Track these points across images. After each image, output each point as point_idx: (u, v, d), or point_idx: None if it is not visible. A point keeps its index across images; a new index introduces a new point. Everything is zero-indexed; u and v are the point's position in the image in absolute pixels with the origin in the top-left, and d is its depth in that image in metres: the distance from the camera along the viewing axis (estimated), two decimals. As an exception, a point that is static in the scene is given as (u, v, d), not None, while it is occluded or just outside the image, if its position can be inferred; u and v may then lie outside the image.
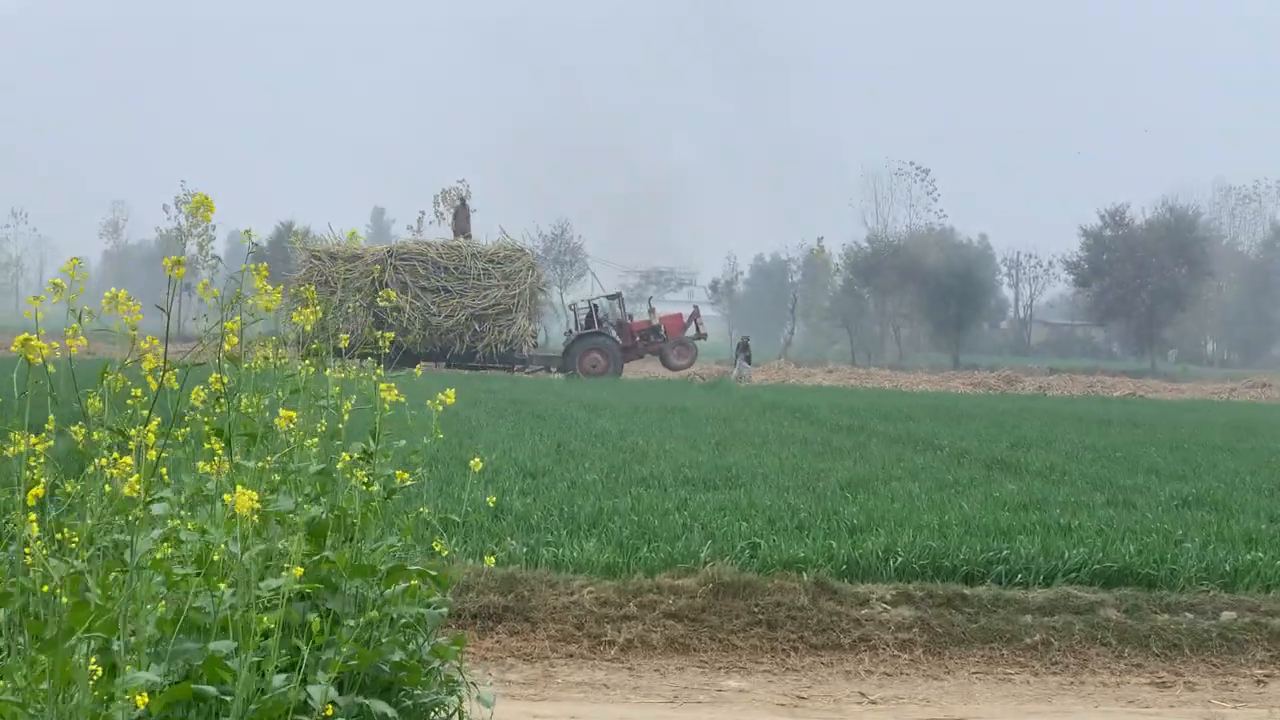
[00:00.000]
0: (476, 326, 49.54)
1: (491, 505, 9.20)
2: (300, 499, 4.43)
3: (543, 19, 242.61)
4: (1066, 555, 10.07)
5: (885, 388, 48.58)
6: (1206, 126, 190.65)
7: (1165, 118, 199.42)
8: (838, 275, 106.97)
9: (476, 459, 5.81)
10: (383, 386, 5.28)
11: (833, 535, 10.65)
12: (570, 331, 53.23)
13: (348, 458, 4.68)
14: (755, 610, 9.01)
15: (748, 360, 54.80)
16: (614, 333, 52.32)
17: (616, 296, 55.85)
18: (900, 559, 9.92)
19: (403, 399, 5.34)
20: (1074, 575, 9.81)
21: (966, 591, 9.42)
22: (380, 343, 6.24)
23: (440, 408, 5.28)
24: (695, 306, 60.08)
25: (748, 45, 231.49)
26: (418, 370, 6.42)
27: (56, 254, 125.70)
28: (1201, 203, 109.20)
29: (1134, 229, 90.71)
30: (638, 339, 53.40)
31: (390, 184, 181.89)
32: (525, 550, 9.83)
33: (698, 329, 55.11)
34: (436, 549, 5.53)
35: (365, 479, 4.63)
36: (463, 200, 53.43)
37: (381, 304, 48.45)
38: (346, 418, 5.56)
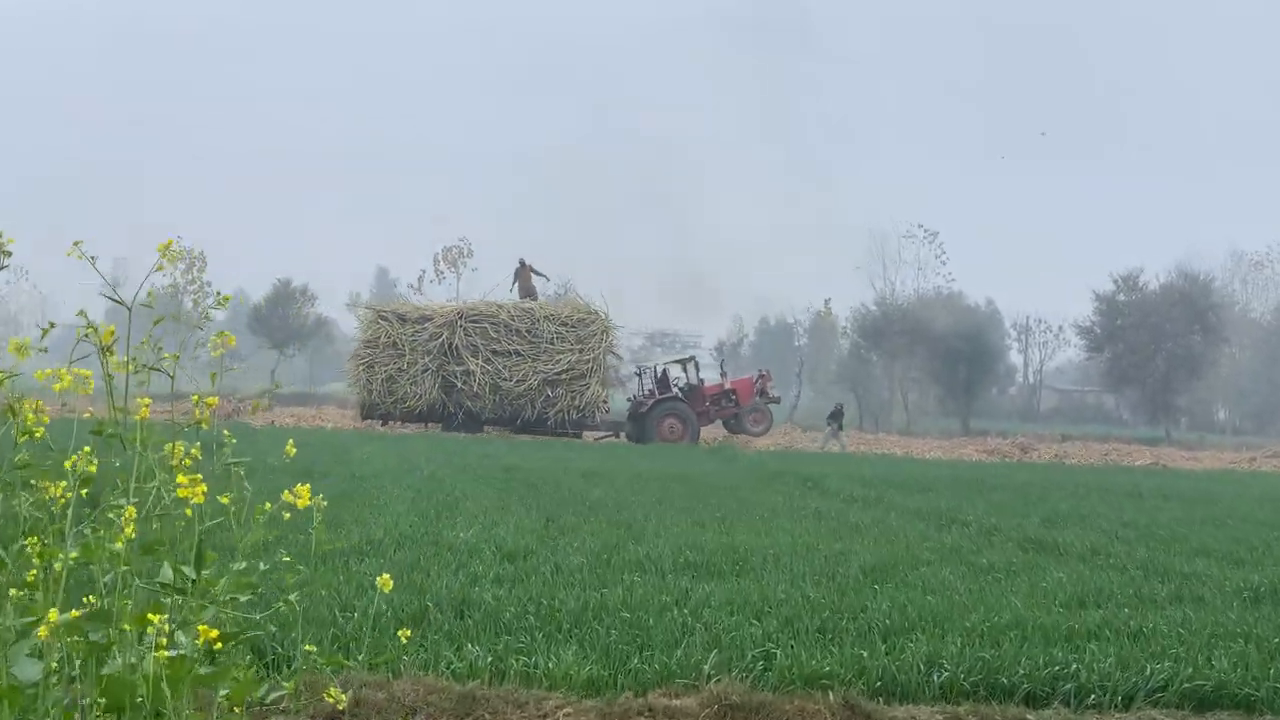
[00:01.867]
0: (549, 392, 47.81)
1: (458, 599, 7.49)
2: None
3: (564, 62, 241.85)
4: (1148, 670, 8.29)
5: (896, 454, 46.81)
6: (1219, 191, 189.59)
7: (1177, 182, 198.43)
8: (845, 338, 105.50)
9: (385, 576, 4.08)
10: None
11: (862, 640, 8.89)
12: (636, 397, 51.47)
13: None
14: (772, 740, 7.27)
15: (840, 426, 53.26)
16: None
17: (690, 359, 53.88)
18: (946, 673, 8.14)
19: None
20: (1159, 695, 8.04)
21: (1030, 717, 7.66)
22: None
23: (301, 502, 3.54)
24: (764, 370, 58.27)
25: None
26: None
27: (56, 311, 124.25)
28: (1214, 269, 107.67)
29: (1147, 294, 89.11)
30: (709, 404, 51.42)
31: (392, 241, 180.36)
32: (491, 659, 8.07)
33: (769, 393, 53.30)
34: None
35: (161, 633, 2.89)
36: (522, 261, 51.62)
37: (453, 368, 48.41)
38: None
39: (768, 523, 17.24)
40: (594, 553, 12.98)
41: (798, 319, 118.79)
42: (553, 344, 48.10)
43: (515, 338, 48.11)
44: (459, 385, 47.61)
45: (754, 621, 9.39)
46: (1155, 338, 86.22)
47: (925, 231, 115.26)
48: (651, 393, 50.43)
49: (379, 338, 47.98)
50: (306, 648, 3.96)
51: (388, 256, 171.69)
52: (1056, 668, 8.24)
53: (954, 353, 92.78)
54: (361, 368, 47.90)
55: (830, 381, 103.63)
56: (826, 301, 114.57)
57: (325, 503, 4.08)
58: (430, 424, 48.56)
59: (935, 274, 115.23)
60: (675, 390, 50.56)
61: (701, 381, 52.35)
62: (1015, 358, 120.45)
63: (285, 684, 3.88)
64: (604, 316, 49.87)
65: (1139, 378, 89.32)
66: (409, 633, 4.95)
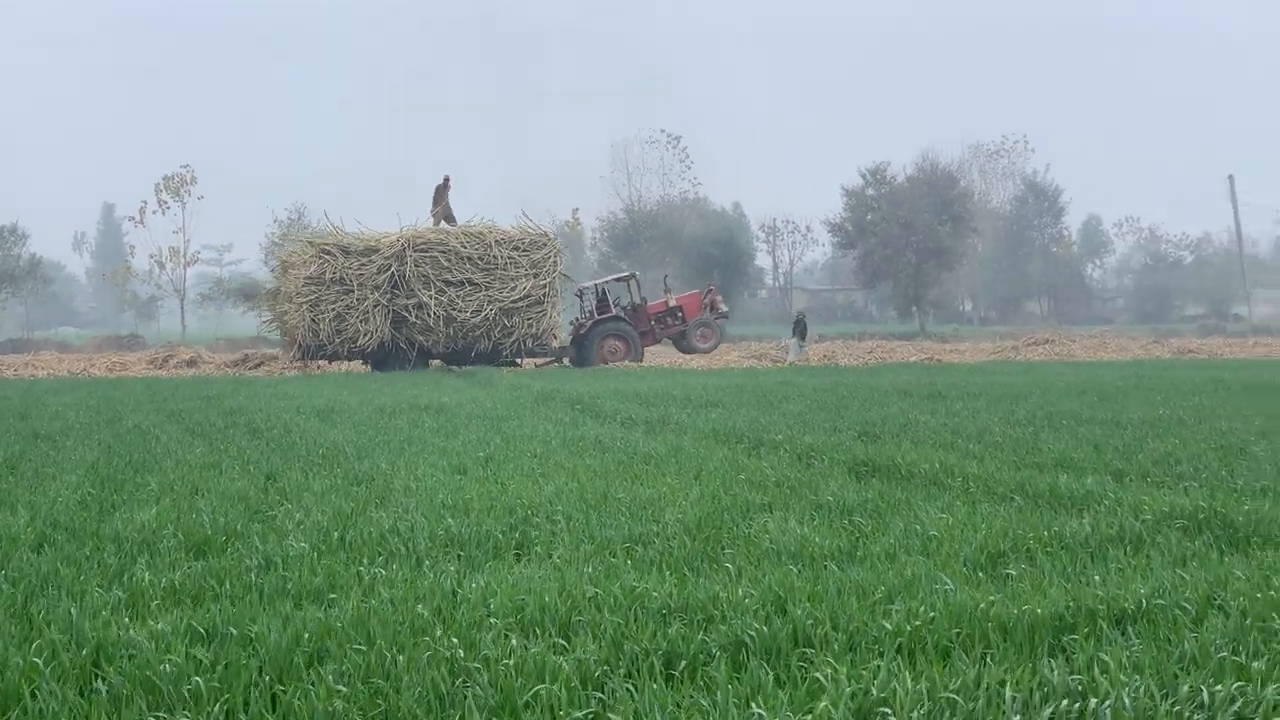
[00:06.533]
0: (505, 321, 44.51)
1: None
2: None
3: None
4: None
5: (663, 365, 43.99)
6: (956, 85, 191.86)
7: (918, 76, 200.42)
8: (594, 250, 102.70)
9: None
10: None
11: (738, 672, 5.72)
12: (578, 319, 48.30)
13: None
14: None
15: (803, 338, 50.33)
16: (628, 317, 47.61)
17: (631, 278, 50.60)
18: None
19: None
20: None
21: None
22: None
23: None
24: (712, 285, 55.34)
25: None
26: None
27: None
28: (954, 159, 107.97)
29: (896, 186, 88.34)
30: (654, 322, 48.47)
31: (113, 173, 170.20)
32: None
33: (717, 307, 50.27)
34: None
35: None
36: (446, 179, 47.13)
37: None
38: None
39: (544, 461, 14.01)
40: (322, 529, 9.53)
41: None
42: (506, 270, 44.87)
43: (468, 266, 44.72)
44: (411, 319, 44.19)
45: (562, 645, 6.13)
46: (905, 231, 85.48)
47: (668, 137, 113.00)
48: (592, 314, 47.64)
49: (323, 273, 44.01)
50: None
51: (112, 191, 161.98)
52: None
53: (706, 258, 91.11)
54: (305, 307, 43.82)
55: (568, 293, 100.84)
56: (574, 212, 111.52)
57: None
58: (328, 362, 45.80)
59: (681, 179, 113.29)
60: (617, 310, 47.70)
61: (644, 300, 49.37)
62: (765, 260, 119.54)
63: None
64: (554, 238, 47.27)
65: (890, 272, 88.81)
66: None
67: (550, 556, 8.46)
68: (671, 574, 7.70)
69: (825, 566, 7.84)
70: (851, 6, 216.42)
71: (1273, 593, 6.59)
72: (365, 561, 8.34)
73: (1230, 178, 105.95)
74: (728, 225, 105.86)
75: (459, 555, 8.60)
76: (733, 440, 16.20)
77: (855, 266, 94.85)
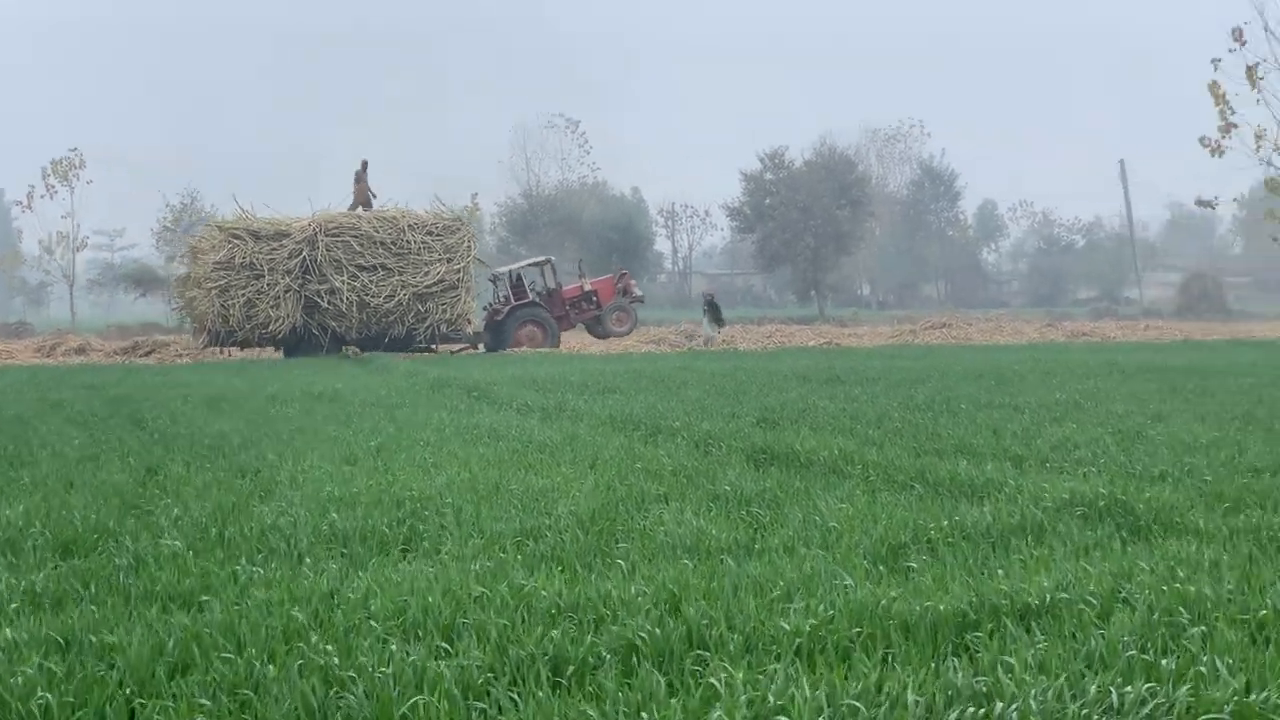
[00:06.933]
0: (419, 306, 43.88)
1: None
2: None
3: None
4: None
5: (560, 351, 43.70)
6: (852, 70, 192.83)
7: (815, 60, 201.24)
8: (493, 235, 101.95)
9: None
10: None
11: (629, 677, 5.44)
12: (492, 305, 47.96)
13: None
14: None
15: (718, 319, 50.29)
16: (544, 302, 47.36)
17: (547, 263, 50.19)
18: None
19: None
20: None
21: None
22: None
23: None
24: (624, 270, 55.20)
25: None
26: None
27: None
28: (851, 144, 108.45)
29: (794, 171, 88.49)
30: (569, 307, 48.41)
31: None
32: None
33: (631, 291, 50.37)
34: None
35: None
36: (365, 164, 46.37)
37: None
38: None
39: (436, 451, 13.66)
40: (200, 524, 9.14)
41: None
42: (420, 255, 44.31)
43: (380, 250, 44.14)
44: (324, 304, 43.44)
45: (445, 650, 5.82)
46: (804, 215, 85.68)
47: (567, 121, 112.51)
48: (507, 299, 47.34)
49: (233, 258, 43.12)
50: None
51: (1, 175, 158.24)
52: None
53: (605, 242, 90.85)
54: (215, 292, 42.83)
55: (480, 278, 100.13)
56: (474, 197, 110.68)
57: None
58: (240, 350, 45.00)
59: (580, 164, 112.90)
60: (532, 295, 47.46)
61: (559, 285, 49.21)
62: (664, 245, 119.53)
63: None
64: (467, 223, 47.12)
65: (789, 256, 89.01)
66: None
67: (438, 552, 8.14)
68: (562, 571, 7.40)
69: (722, 561, 7.58)
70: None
71: (1179, 585, 6.41)
72: (243, 560, 7.96)
73: (1121, 162, 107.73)
74: (626, 210, 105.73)
75: (342, 552, 8.25)
76: (629, 427, 15.94)
77: (754, 251, 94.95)
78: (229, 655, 5.73)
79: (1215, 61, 51.11)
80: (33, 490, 11.01)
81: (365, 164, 47.08)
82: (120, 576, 7.54)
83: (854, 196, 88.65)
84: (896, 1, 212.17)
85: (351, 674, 5.39)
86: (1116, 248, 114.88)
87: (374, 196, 46.75)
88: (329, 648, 5.71)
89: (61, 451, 14.06)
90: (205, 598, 6.95)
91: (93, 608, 6.74)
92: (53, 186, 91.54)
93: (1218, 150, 51.72)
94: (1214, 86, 51.39)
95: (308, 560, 7.97)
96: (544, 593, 6.65)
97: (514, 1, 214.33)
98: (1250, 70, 50.78)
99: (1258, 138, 51.35)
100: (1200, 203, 55.12)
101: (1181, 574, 6.74)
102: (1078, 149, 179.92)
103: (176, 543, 8.43)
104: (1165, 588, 6.42)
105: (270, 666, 5.52)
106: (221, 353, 44.66)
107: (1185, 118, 72.42)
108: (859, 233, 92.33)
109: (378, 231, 44.18)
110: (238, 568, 7.69)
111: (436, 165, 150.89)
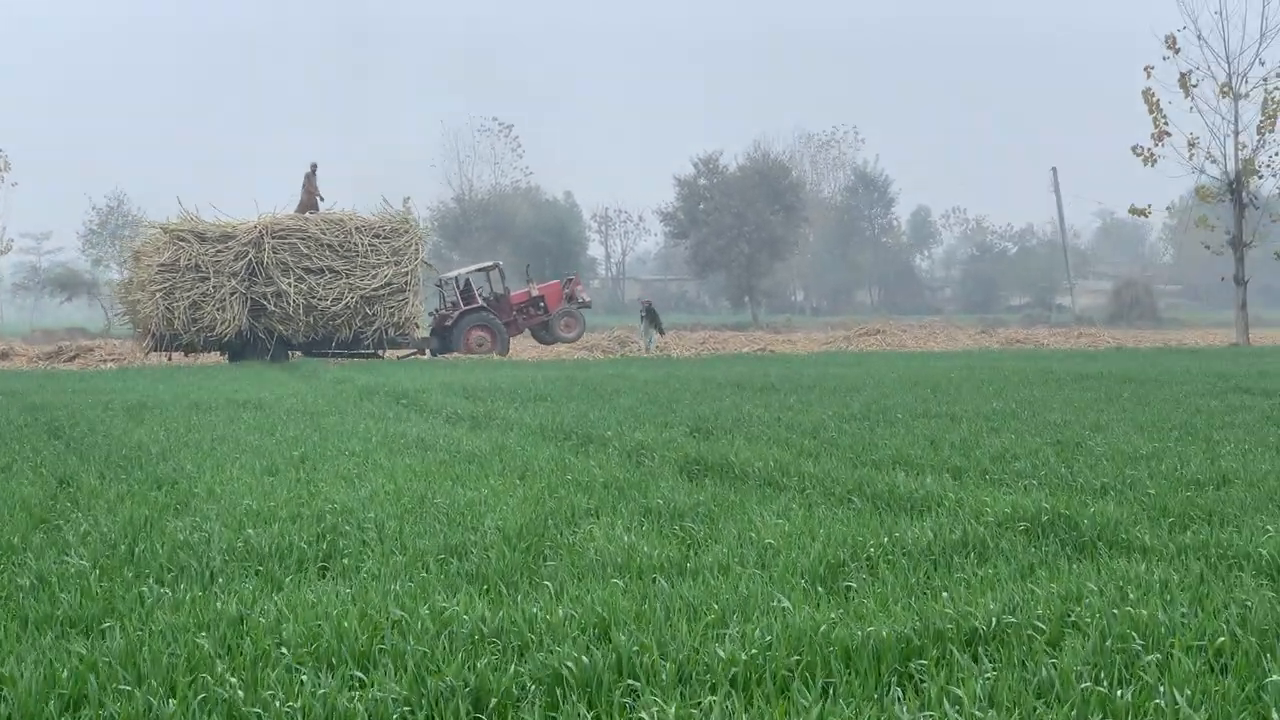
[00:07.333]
0: (367, 310, 43.21)
1: None
2: None
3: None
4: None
5: (493, 359, 43.25)
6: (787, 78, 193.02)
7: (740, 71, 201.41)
8: (425, 238, 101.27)
9: None
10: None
11: (553, 711, 5.12)
12: (439, 310, 47.59)
13: None
14: None
15: (657, 326, 50.07)
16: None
17: (494, 268, 49.80)
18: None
19: None
20: None
21: None
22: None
23: None
24: (574, 274, 55.20)
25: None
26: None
27: None
28: (786, 150, 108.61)
29: (728, 176, 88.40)
30: (516, 313, 48.08)
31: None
32: None
33: (578, 297, 50.07)
34: None
35: None
36: (314, 166, 45.62)
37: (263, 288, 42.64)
38: None
39: (361, 461, 13.27)
40: (109, 542, 8.72)
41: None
42: (367, 258, 43.62)
43: (327, 253, 43.39)
44: (270, 307, 42.61)
45: (359, 680, 5.47)
46: (738, 221, 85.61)
47: (500, 125, 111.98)
48: (455, 304, 46.92)
49: (178, 260, 42.27)
50: None
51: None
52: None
53: (538, 247, 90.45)
54: (159, 295, 41.91)
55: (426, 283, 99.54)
56: (406, 200, 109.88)
57: None
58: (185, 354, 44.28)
59: (513, 168, 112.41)
60: (479, 300, 47.02)
61: (507, 290, 48.84)
62: (598, 250, 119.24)
63: None
64: (416, 225, 46.47)
65: (723, 262, 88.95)
66: None
67: (358, 570, 7.78)
68: (487, 591, 7.06)
69: (654, 580, 7.26)
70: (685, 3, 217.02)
71: (1129, 609, 6.14)
72: (151, 580, 7.57)
73: (1054, 170, 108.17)
74: (560, 215, 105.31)
75: (258, 571, 7.87)
76: (560, 437, 15.62)
77: (688, 256, 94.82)
78: (127, 688, 5.35)
79: (1148, 69, 51.31)
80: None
81: (314, 166, 46.51)
82: (20, 598, 7.13)
83: (788, 202, 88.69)
84: (831, 5, 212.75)
85: (257, 710, 5.03)
86: (1049, 255, 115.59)
87: (322, 200, 46.14)
88: (234, 679, 5.35)
89: (-29, 463, 13.55)
90: (108, 622, 6.56)
91: (-14, 636, 6.33)
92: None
93: (1150, 159, 51.88)
94: (1147, 94, 51.56)
95: (220, 580, 7.59)
96: (466, 616, 6.30)
97: (443, 1, 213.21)
98: (1183, 78, 50.98)
99: (1190, 145, 51.55)
100: (1133, 211, 55.21)
101: (1132, 595, 6.49)
102: (1010, 156, 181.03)
103: (84, 561, 8.02)
104: (1116, 611, 6.15)
105: (170, 701, 5.15)
106: (166, 358, 43.87)
107: (1118, 125, 73.05)
108: (793, 238, 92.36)
109: (325, 234, 43.61)
110: (144, 589, 7.29)
111: (364, 167, 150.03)
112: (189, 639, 6.04)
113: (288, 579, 7.60)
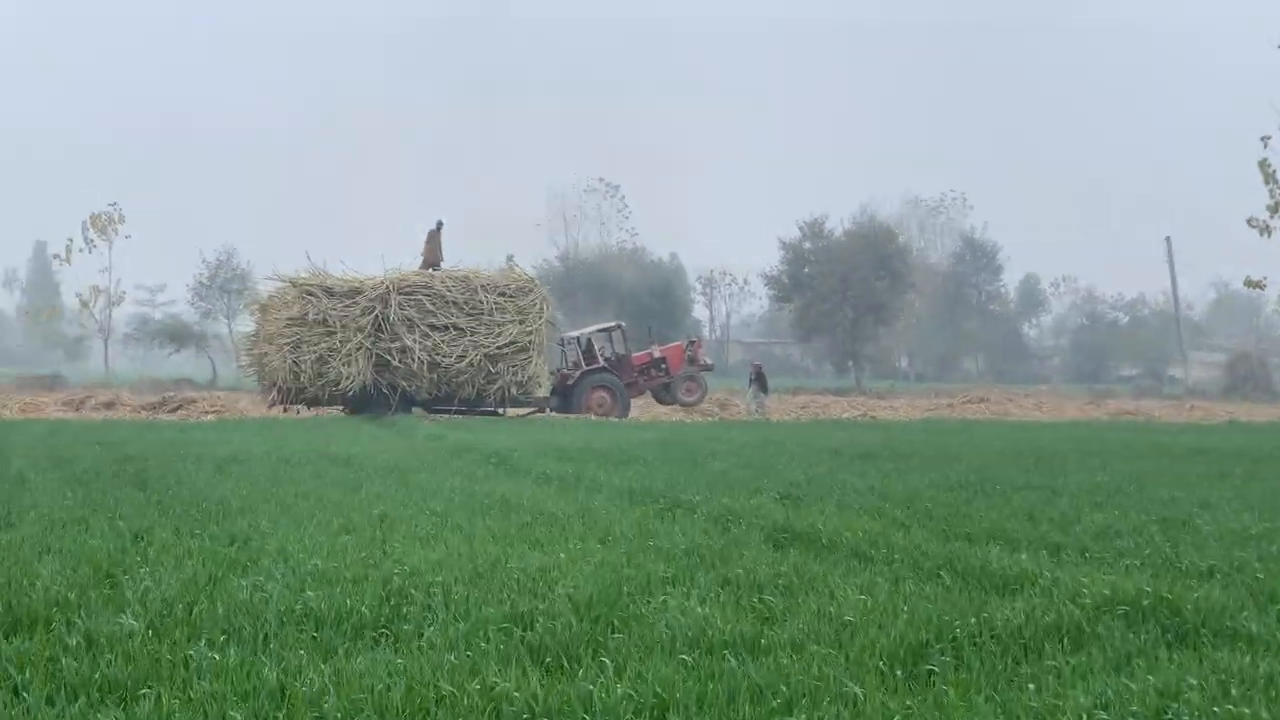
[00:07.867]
0: (490, 368, 42.97)
1: None
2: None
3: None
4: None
5: (591, 419, 43.02)
6: (897, 149, 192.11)
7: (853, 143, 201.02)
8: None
9: None
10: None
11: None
12: (561, 369, 47.37)
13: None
14: None
15: (764, 390, 49.34)
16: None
17: (617, 328, 49.75)
18: None
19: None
20: None
21: None
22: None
23: None
24: (695, 337, 55.09)
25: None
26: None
27: None
28: (893, 215, 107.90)
29: (834, 241, 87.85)
30: (638, 374, 47.99)
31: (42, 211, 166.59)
32: None
33: (700, 360, 49.96)
34: None
35: None
36: (440, 224, 46.16)
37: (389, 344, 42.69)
38: None
39: (440, 522, 12.99)
40: (167, 600, 8.46)
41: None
42: (492, 316, 43.39)
43: (453, 310, 43.14)
44: (395, 363, 42.51)
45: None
46: (843, 285, 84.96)
47: (606, 185, 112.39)
48: (577, 364, 46.77)
49: (305, 314, 42.35)
50: None
51: (45, 228, 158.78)
52: None
53: (642, 309, 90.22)
54: (288, 348, 42.14)
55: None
56: (509, 259, 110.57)
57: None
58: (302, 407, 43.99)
59: (619, 228, 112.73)
60: (601, 360, 46.88)
61: (629, 351, 48.71)
62: (702, 312, 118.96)
63: None
64: (540, 285, 46.06)
65: (827, 326, 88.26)
66: None
67: (420, 636, 7.45)
68: (547, 665, 6.69)
69: (723, 657, 6.86)
70: (789, 64, 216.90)
71: (1231, 707, 5.64)
72: (203, 642, 7.29)
73: (1168, 239, 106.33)
74: (665, 276, 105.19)
75: (313, 636, 7.56)
76: (647, 500, 15.25)
77: (792, 320, 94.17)
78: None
79: (1264, 139, 50.23)
80: (2, 557, 10.36)
81: (440, 224, 46.59)
82: (63, 660, 6.87)
83: (894, 267, 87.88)
84: (934, 72, 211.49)
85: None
86: (1161, 325, 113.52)
87: (442, 260, 46.16)
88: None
89: (49, 513, 13.41)
90: (146, 688, 6.27)
91: (17, 697, 6.05)
92: (92, 240, 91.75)
93: (1266, 230, 50.70)
94: (1263, 164, 50.46)
95: (272, 645, 7.28)
96: (517, 694, 5.94)
97: (551, 65, 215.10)
98: (1300, 148, 49.85)
99: (1308, 216, 50.33)
100: (1249, 283, 53.96)
101: (1235, 693, 5.98)
102: (1123, 226, 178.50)
103: (135, 621, 7.76)
104: (1216, 708, 5.65)
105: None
106: (286, 410, 43.92)
107: (1233, 196, 71.61)
108: (898, 304, 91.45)
109: (450, 291, 43.37)
110: (193, 651, 7.01)
111: (469, 227, 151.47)
112: (221, 712, 5.72)
113: (343, 645, 7.29)
